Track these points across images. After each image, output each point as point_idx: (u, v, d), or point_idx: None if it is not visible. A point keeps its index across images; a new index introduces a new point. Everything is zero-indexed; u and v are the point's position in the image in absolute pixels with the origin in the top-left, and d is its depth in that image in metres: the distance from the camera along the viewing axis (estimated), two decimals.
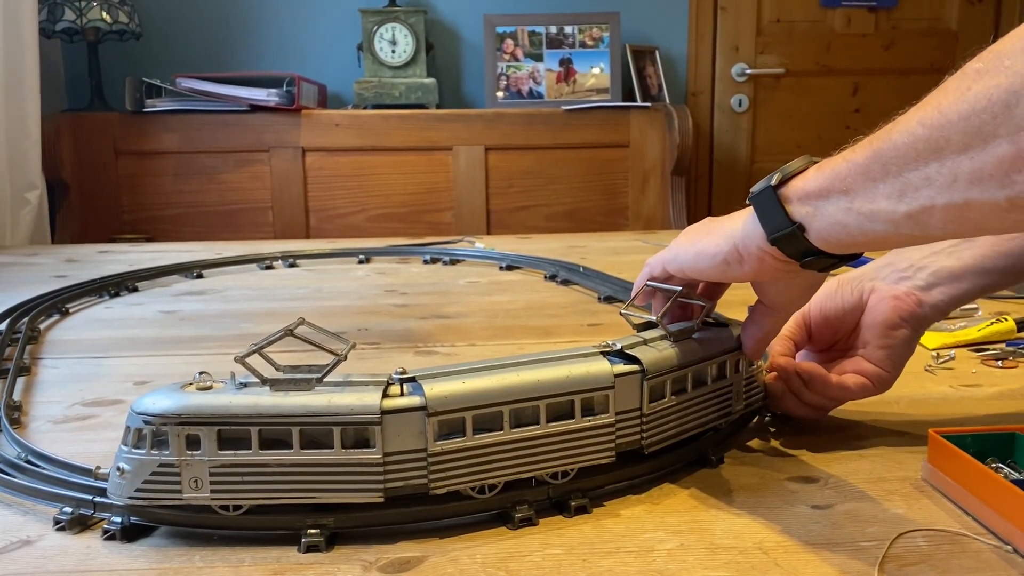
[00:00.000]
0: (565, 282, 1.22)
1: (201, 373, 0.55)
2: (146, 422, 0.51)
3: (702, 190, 2.64)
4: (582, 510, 0.54)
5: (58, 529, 0.52)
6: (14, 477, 0.57)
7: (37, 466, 0.58)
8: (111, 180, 2.17)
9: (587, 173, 2.25)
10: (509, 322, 1.02)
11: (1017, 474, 0.55)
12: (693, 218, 2.52)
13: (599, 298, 1.12)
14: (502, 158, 2.24)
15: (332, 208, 2.22)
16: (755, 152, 2.64)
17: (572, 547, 0.50)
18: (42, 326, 1.02)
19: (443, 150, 2.23)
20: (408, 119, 2.21)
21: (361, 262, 1.41)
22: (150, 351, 0.92)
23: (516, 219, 2.26)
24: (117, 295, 1.18)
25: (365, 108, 2.30)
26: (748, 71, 2.57)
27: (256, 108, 2.16)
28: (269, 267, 1.37)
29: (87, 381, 0.82)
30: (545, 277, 1.26)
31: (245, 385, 0.54)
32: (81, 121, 2.16)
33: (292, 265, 1.38)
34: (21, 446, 0.62)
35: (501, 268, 1.34)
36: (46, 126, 2.04)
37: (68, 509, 0.53)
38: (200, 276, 1.30)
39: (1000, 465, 0.56)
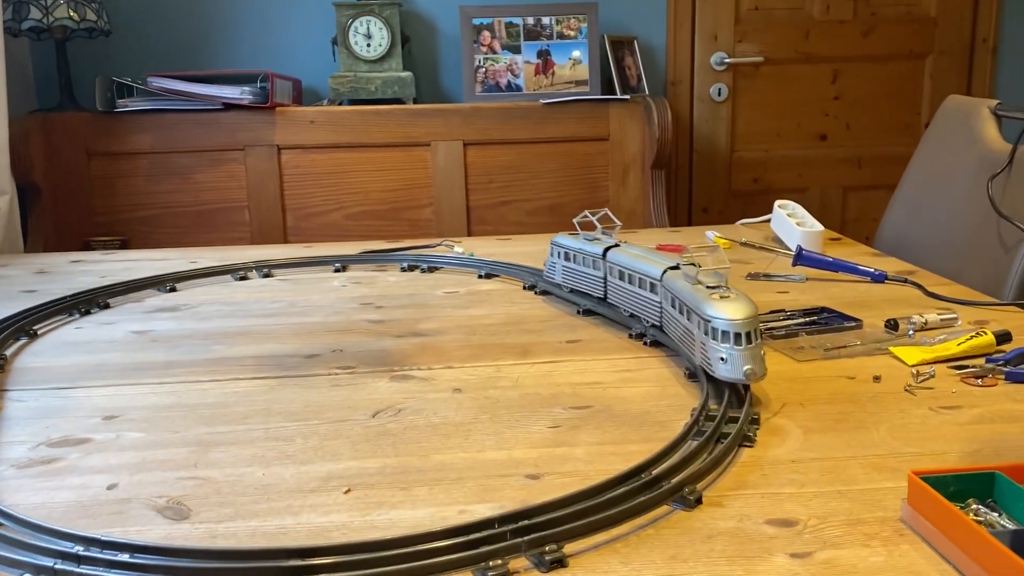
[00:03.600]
0: (544, 293, 1.20)
1: None
2: None
3: (682, 180, 2.63)
4: (558, 563, 0.53)
5: None
6: None
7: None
8: (83, 182, 2.13)
9: (567, 167, 2.23)
10: (487, 339, 1.00)
11: (998, 517, 0.55)
12: (673, 212, 2.51)
13: (578, 311, 1.10)
14: (481, 153, 2.22)
15: (309, 207, 2.19)
16: (735, 141, 2.62)
17: None
18: (9, 351, 1.00)
19: (421, 146, 2.20)
20: (385, 115, 2.18)
21: (337, 270, 1.39)
22: (119, 379, 0.90)
23: (497, 214, 2.24)
24: (88, 313, 1.16)
25: (340, 104, 2.26)
26: (727, 60, 2.55)
27: (230, 106, 2.12)
28: (243, 278, 1.35)
29: (53, 416, 0.80)
30: (524, 287, 1.24)
31: None
32: (51, 122, 2.11)
33: (267, 275, 1.36)
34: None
35: (480, 276, 1.32)
36: (15, 128, 1.99)
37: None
38: (173, 290, 1.28)
39: (980, 507, 0.56)
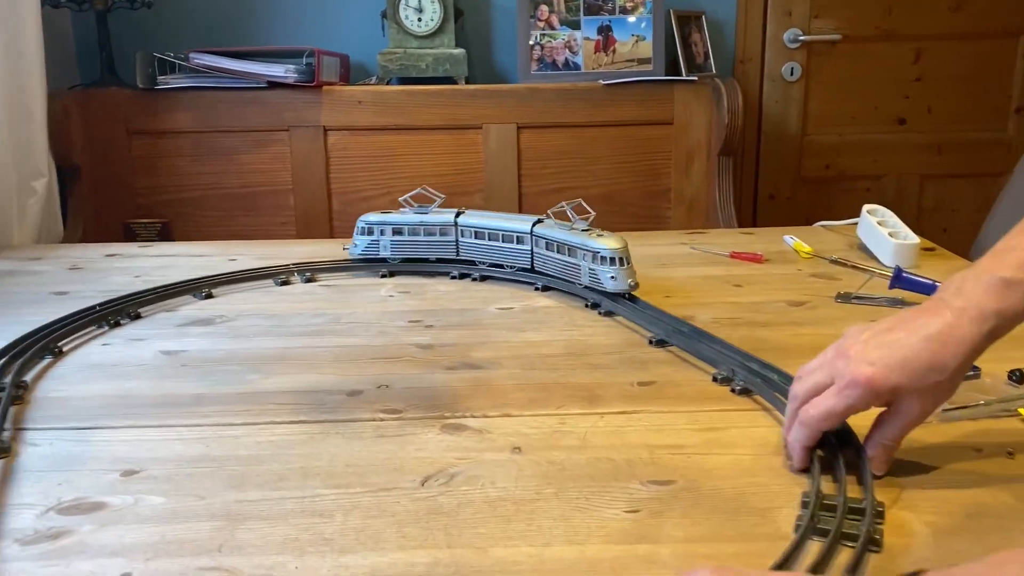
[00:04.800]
0: (608, 314, 1.09)
1: None
2: None
3: (748, 165, 2.47)
4: None
5: None
6: None
7: None
8: (124, 162, 2.06)
9: (627, 153, 2.10)
10: (547, 376, 0.90)
11: None
12: (740, 201, 2.36)
13: (650, 341, 0.99)
14: (535, 137, 2.09)
15: (356, 191, 2.10)
16: (807, 124, 2.46)
17: None
18: (31, 375, 0.92)
19: (473, 129, 2.09)
20: (435, 96, 2.07)
21: (384, 276, 1.29)
22: (143, 419, 0.82)
23: (550, 202, 2.09)
24: (118, 324, 1.08)
25: (389, 82, 2.15)
26: (801, 37, 2.38)
27: (274, 85, 2.02)
28: (285, 282, 1.26)
29: (68, 469, 0.72)
30: (586, 305, 1.13)
31: None
32: (91, 99, 2.04)
33: (309, 280, 1.27)
34: None
35: (536, 289, 1.21)
36: (54, 105, 1.92)
37: None
38: (210, 296, 1.19)
39: None
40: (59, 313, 1.09)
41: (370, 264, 1.31)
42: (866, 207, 1.37)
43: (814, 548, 0.58)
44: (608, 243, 1.10)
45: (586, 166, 2.10)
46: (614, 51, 2.18)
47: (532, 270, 1.22)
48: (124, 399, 0.87)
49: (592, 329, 1.04)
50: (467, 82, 2.16)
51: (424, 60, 2.13)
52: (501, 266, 1.25)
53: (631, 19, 2.18)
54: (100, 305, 1.10)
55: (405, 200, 1.31)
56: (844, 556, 0.57)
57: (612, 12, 2.19)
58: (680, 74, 2.15)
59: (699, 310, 1.07)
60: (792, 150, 2.47)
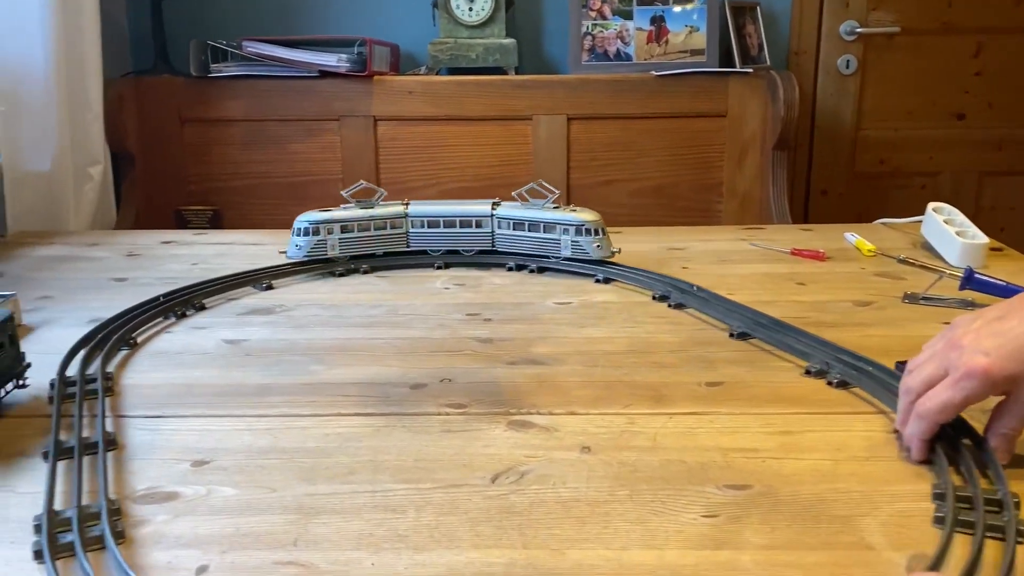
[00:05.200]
0: (678, 306, 1.08)
1: None
2: None
3: (801, 159, 2.43)
4: None
5: None
6: None
7: None
8: (176, 149, 2.08)
9: (678, 145, 2.08)
10: (612, 375, 0.89)
11: None
12: (791, 196, 2.32)
13: (731, 334, 0.97)
14: (585, 128, 2.07)
15: (404, 181, 2.10)
16: (862, 118, 2.41)
17: None
18: (112, 365, 0.93)
19: (522, 120, 2.07)
20: (485, 86, 2.06)
21: (439, 267, 1.28)
22: (210, 408, 0.82)
23: (598, 195, 2.10)
24: (184, 316, 1.08)
25: (439, 72, 2.15)
26: (858, 29, 2.33)
27: (326, 74, 2.03)
28: (342, 274, 1.26)
29: (141, 457, 0.73)
30: (653, 297, 1.12)
31: None
32: (145, 86, 2.06)
33: (365, 272, 1.27)
34: None
35: (596, 281, 1.20)
36: (109, 92, 1.95)
37: None
38: (270, 287, 1.19)
39: None
40: (120, 299, 1.10)
41: (427, 256, 1.31)
42: (931, 205, 1.33)
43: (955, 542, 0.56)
44: (588, 216, 1.21)
45: (636, 158, 2.07)
46: (667, 42, 2.15)
47: (493, 250, 1.27)
48: (190, 388, 0.87)
49: (655, 326, 1.03)
50: (517, 72, 2.14)
51: (474, 50, 2.12)
52: (456, 252, 1.27)
53: (684, 9, 2.14)
54: (165, 296, 1.10)
55: (348, 195, 1.29)
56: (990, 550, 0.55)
57: (665, 2, 2.16)
58: (734, 66, 2.12)
59: (763, 309, 1.05)
60: (846, 145, 2.43)
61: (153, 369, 0.92)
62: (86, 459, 0.70)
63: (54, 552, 0.57)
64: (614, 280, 1.20)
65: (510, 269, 1.27)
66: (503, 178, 2.09)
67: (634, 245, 1.40)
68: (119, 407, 0.82)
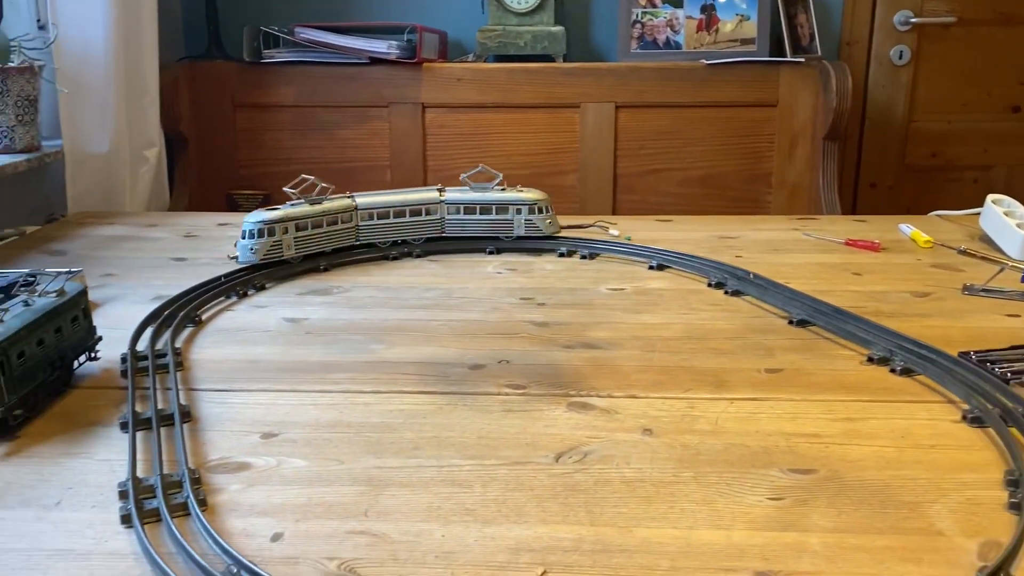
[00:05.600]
0: (736, 293, 1.08)
1: None
2: None
3: (850, 151, 2.40)
4: None
5: None
6: None
7: None
8: (228, 134, 2.11)
9: (727, 135, 2.06)
10: (670, 360, 0.89)
11: None
12: (841, 187, 2.30)
13: (790, 321, 0.97)
14: (634, 117, 2.07)
15: (451, 168, 2.11)
16: (914, 110, 2.37)
17: None
18: (179, 342, 0.95)
19: (570, 107, 2.07)
20: (534, 73, 2.06)
21: (490, 252, 1.29)
22: (275, 383, 0.84)
23: (645, 184, 2.09)
24: (245, 295, 1.11)
25: (487, 59, 2.15)
26: (913, 19, 2.29)
27: (376, 61, 2.04)
28: (395, 257, 1.27)
29: (213, 429, 0.74)
30: (709, 284, 1.11)
31: None
32: (199, 71, 2.10)
33: (418, 256, 1.28)
34: (231, 557, 0.55)
35: (650, 268, 1.20)
36: (165, 77, 1.98)
37: None
38: (326, 269, 1.21)
39: None
40: (181, 278, 1.13)
41: (478, 241, 1.31)
42: (991, 197, 1.31)
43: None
44: (537, 195, 1.29)
45: (684, 147, 2.06)
46: (717, 30, 2.14)
47: (442, 238, 1.28)
48: (255, 364, 0.89)
49: (711, 313, 1.03)
50: (565, 60, 2.14)
51: (523, 38, 2.12)
52: (406, 242, 1.27)
53: None
54: (226, 276, 1.13)
55: (290, 191, 1.23)
56: None
57: None
58: (784, 55, 2.09)
59: (819, 298, 1.05)
60: (897, 137, 2.39)
61: (218, 345, 0.94)
62: (160, 430, 0.72)
63: (141, 517, 0.59)
64: (668, 267, 1.20)
65: (561, 255, 1.28)
66: (550, 166, 2.10)
67: (685, 233, 1.41)
68: (189, 381, 0.84)
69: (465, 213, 1.27)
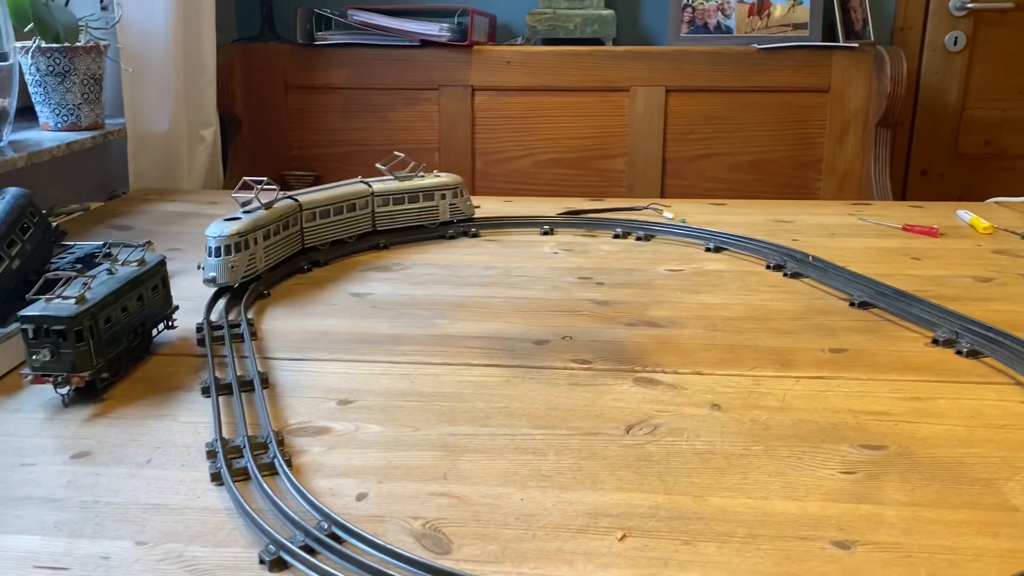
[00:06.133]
0: (795, 275, 1.08)
1: None
2: None
3: (901, 138, 2.37)
4: None
5: None
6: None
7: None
8: (281, 115, 2.14)
9: (778, 120, 2.05)
10: (733, 339, 0.90)
11: None
12: (894, 175, 2.27)
13: (851, 303, 0.97)
14: (684, 101, 2.06)
15: (499, 152, 2.12)
16: (967, 97, 2.33)
17: None
18: (251, 313, 0.98)
19: (619, 91, 2.07)
20: (584, 56, 2.06)
21: (545, 233, 1.31)
22: (347, 353, 0.86)
23: (694, 169, 2.09)
24: (309, 270, 1.13)
25: (536, 42, 2.16)
26: (969, 5, 2.25)
27: (427, 43, 2.06)
28: (452, 236, 1.29)
29: (290, 395, 0.77)
30: (768, 266, 1.12)
31: None
32: (252, 53, 2.13)
33: (474, 235, 1.30)
34: (322, 513, 0.57)
35: (707, 250, 1.21)
36: (219, 59, 2.01)
37: None
38: (385, 247, 1.23)
39: None
40: None
41: (534, 222, 1.33)
42: None
43: None
44: (454, 177, 1.28)
45: (734, 132, 2.05)
46: (769, 15, 2.12)
47: (375, 231, 1.22)
48: (325, 335, 0.91)
49: (771, 294, 1.03)
50: (615, 43, 2.14)
51: (572, 20, 2.13)
52: (344, 241, 1.18)
53: None
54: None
55: (237, 196, 1.09)
56: None
57: None
58: (837, 40, 2.07)
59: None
60: (950, 124, 2.35)
61: (287, 317, 0.97)
62: (241, 395, 0.74)
63: (231, 475, 0.61)
64: (724, 249, 1.21)
65: (616, 236, 1.29)
66: (598, 150, 2.10)
67: (739, 217, 1.41)
68: (263, 350, 0.87)
69: (395, 204, 1.22)
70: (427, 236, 1.28)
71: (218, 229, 0.99)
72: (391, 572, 0.50)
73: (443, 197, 1.25)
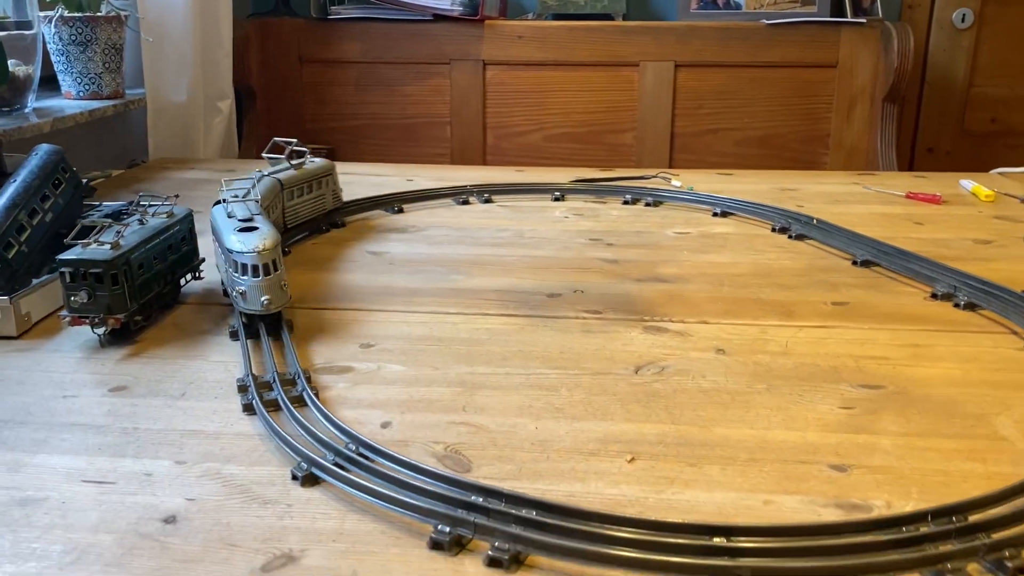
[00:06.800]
0: (800, 237, 1.11)
1: None
2: None
3: (908, 115, 2.39)
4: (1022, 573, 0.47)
5: (433, 547, 0.50)
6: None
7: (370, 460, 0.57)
8: (295, 89, 2.17)
9: (786, 95, 2.07)
10: (738, 292, 0.93)
11: None
12: (900, 151, 2.29)
13: (854, 261, 1.00)
14: (692, 76, 2.08)
15: (510, 126, 2.15)
16: (975, 75, 2.34)
17: None
18: None
19: (629, 66, 2.09)
20: (594, 31, 2.08)
21: (556, 199, 1.34)
22: (367, 303, 0.89)
23: (703, 143, 2.11)
24: (326, 231, 1.17)
25: (547, 18, 2.18)
26: None
27: (439, 17, 2.08)
28: (465, 202, 1.32)
29: (314, 339, 0.80)
30: (773, 229, 1.15)
31: None
32: (267, 27, 2.15)
33: (487, 200, 1.33)
34: (349, 436, 0.60)
35: (715, 215, 1.23)
36: (235, 32, 2.04)
37: (445, 528, 0.50)
38: (400, 211, 1.27)
39: None
40: None
41: (546, 188, 1.36)
42: None
43: None
44: (328, 161, 1.18)
45: (743, 107, 2.07)
46: None
47: (287, 230, 1.09)
48: (345, 289, 0.95)
49: (776, 254, 1.06)
50: (624, 19, 2.16)
51: None
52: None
53: None
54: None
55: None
56: None
57: None
58: (845, 16, 2.09)
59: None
60: (957, 102, 2.37)
61: (308, 271, 1.00)
62: (268, 337, 0.78)
63: (264, 405, 0.65)
64: (731, 214, 1.24)
65: (625, 203, 1.32)
66: (608, 124, 2.13)
67: (745, 185, 1.43)
68: None
69: (296, 196, 1.10)
70: (440, 202, 1.31)
71: (247, 243, 0.77)
72: (418, 485, 0.53)
73: (326, 184, 1.15)
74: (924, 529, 0.49)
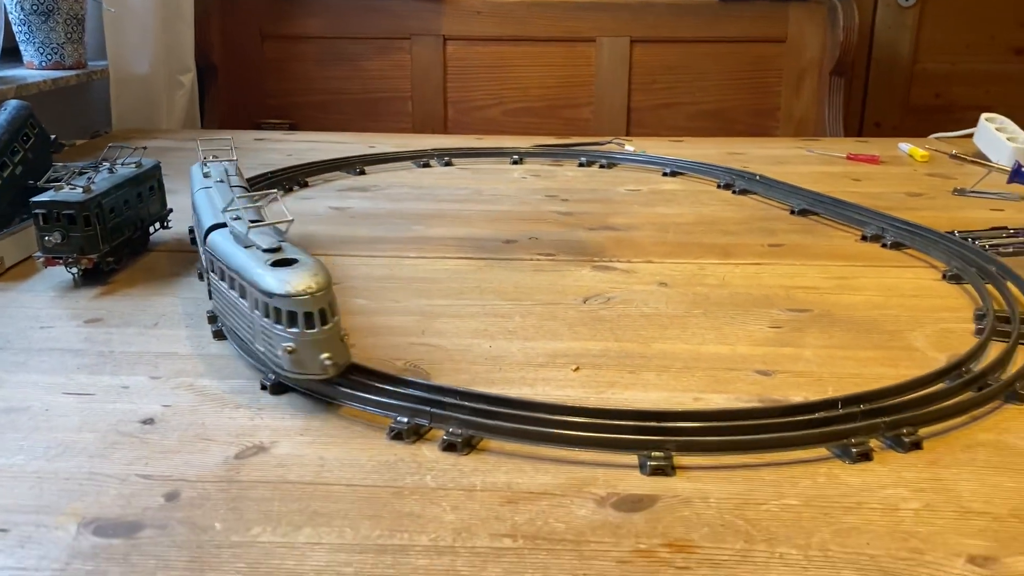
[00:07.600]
0: (743, 192, 1.17)
1: None
2: None
3: (856, 91, 2.47)
4: (916, 447, 0.53)
5: (394, 438, 0.55)
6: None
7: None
8: (257, 64, 2.19)
9: (737, 70, 2.13)
10: (683, 238, 0.98)
11: None
12: (848, 127, 2.37)
13: (792, 211, 1.07)
14: (647, 51, 2.14)
15: (470, 100, 2.19)
16: (919, 52, 2.43)
17: (809, 499, 0.48)
18: None
19: (586, 41, 2.14)
20: (552, 7, 2.13)
21: (515, 163, 1.39)
22: (330, 250, 0.94)
23: (657, 117, 2.17)
24: (290, 190, 1.20)
25: None
26: None
27: None
28: (426, 165, 1.36)
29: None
30: (718, 186, 1.21)
31: None
32: (229, 3, 2.17)
33: (447, 164, 1.37)
34: None
35: (665, 174, 1.29)
36: (197, 8, 2.05)
37: (403, 419, 0.55)
38: (362, 172, 1.31)
39: None
40: None
41: (505, 152, 1.40)
42: (984, 115, 1.40)
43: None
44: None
45: (696, 81, 2.14)
46: None
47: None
48: (308, 238, 0.99)
49: (720, 206, 1.12)
50: None
51: None
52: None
53: None
54: (272, 172, 1.22)
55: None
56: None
57: None
58: None
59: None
60: (902, 78, 2.46)
61: None
62: None
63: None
64: (680, 174, 1.29)
65: (581, 165, 1.37)
66: (565, 99, 2.18)
67: (696, 150, 1.49)
68: None
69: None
70: (401, 163, 1.35)
71: (290, 281, 0.56)
72: (378, 386, 0.58)
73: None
74: (834, 413, 0.54)
